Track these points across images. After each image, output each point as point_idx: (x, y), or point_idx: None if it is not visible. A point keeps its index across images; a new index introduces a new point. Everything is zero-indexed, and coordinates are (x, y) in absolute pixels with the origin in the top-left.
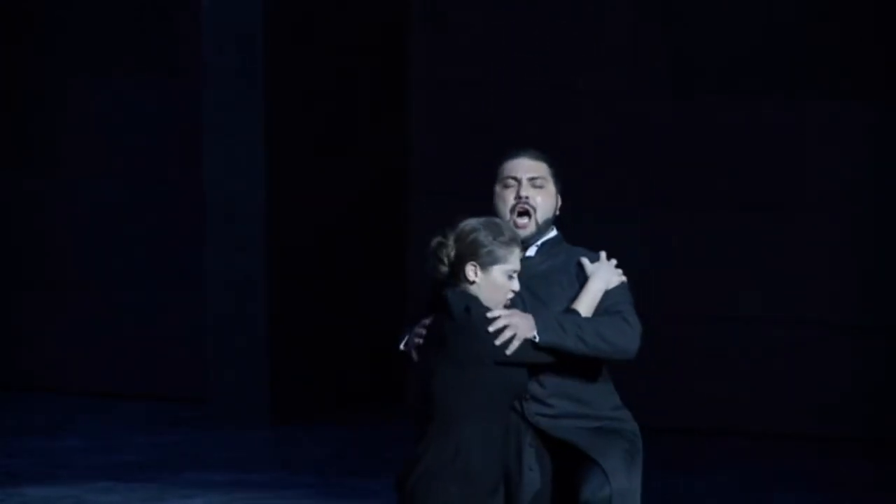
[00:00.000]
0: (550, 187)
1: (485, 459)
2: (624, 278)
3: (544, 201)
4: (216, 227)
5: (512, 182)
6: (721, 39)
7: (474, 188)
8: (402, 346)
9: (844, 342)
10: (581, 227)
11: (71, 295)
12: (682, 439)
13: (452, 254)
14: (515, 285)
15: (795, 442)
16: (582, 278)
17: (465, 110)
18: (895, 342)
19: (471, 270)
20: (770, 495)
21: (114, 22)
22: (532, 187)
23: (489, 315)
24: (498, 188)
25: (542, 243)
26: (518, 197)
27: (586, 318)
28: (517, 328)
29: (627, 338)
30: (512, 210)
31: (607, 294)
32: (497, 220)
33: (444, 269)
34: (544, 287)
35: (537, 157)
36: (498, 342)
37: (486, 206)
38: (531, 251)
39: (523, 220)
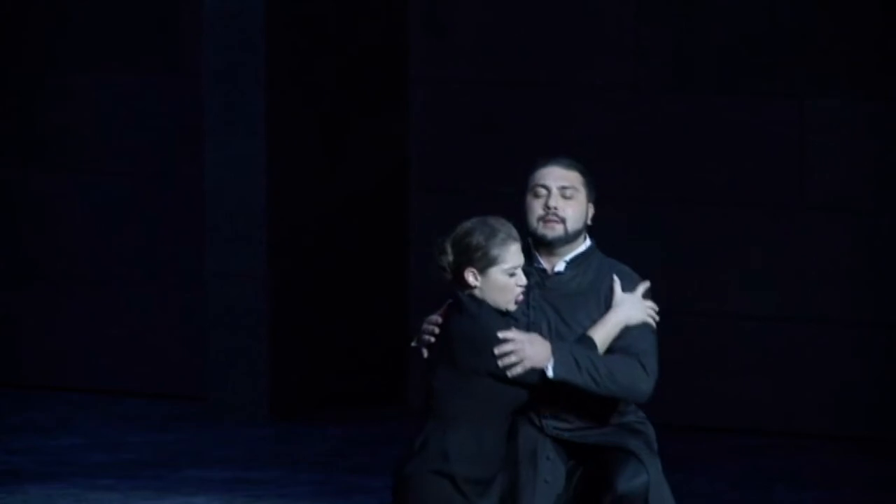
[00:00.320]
0: (582, 197)
1: (474, 464)
2: (651, 319)
3: (574, 212)
4: (216, 224)
5: (542, 191)
6: (723, 36)
7: (475, 186)
8: (413, 343)
9: (845, 340)
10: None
11: (71, 292)
12: (681, 436)
13: (451, 260)
14: (521, 280)
15: (796, 439)
16: (610, 301)
17: (466, 108)
18: None
19: (470, 276)
20: (770, 493)
21: (115, 19)
22: (562, 197)
23: (501, 335)
24: (528, 198)
25: (573, 258)
26: (547, 207)
27: (602, 357)
28: (529, 358)
29: (641, 384)
30: (539, 220)
31: (628, 330)
32: (491, 218)
33: (448, 275)
34: (570, 310)
35: (569, 166)
36: (500, 363)
37: (485, 204)
38: (560, 266)
39: (550, 224)
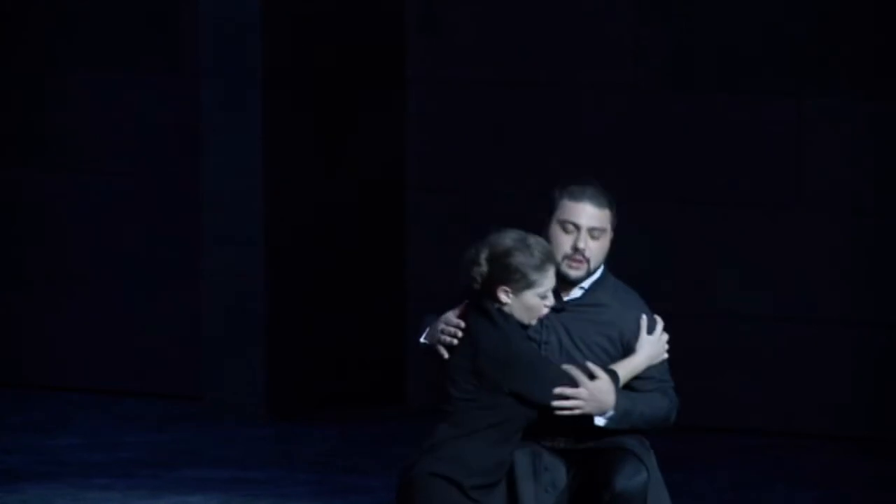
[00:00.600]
0: (608, 234)
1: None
2: (666, 353)
3: (599, 250)
4: (214, 224)
5: (571, 228)
6: (723, 36)
7: (473, 186)
8: (422, 339)
9: (844, 340)
10: None
11: (68, 292)
12: (681, 436)
13: (485, 273)
14: (550, 301)
15: (795, 439)
16: (629, 340)
17: (464, 108)
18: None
19: (503, 294)
20: (769, 492)
21: (115, 19)
22: (591, 238)
23: (570, 372)
24: (555, 227)
25: (589, 286)
26: (575, 248)
27: (641, 401)
28: (589, 409)
29: (670, 417)
30: (565, 258)
31: (649, 367)
32: (530, 238)
33: (477, 286)
34: (582, 334)
35: (601, 204)
36: (555, 404)
37: (484, 203)
38: (576, 293)
39: (576, 265)
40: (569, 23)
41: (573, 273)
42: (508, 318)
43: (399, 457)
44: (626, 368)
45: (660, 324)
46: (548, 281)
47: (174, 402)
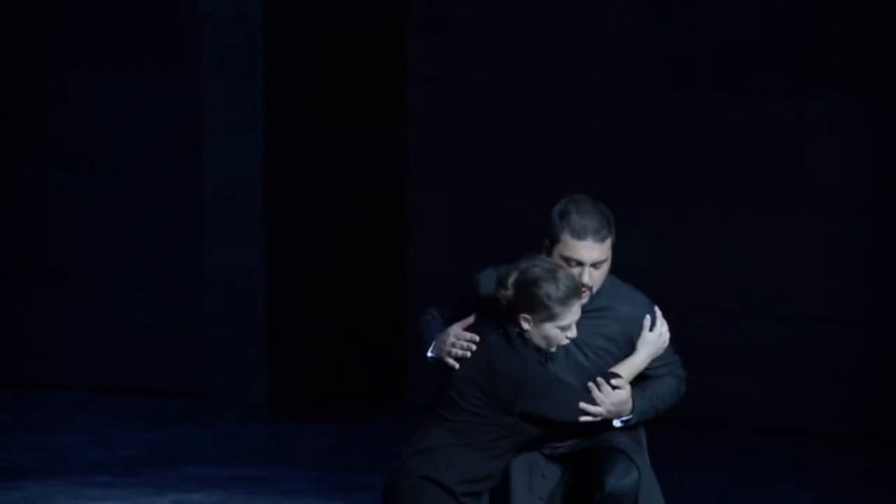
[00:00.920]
0: (610, 257)
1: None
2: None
3: (602, 275)
4: (214, 222)
5: (575, 264)
6: (723, 36)
7: (474, 185)
8: (430, 353)
9: (844, 338)
10: None
11: (70, 290)
12: (681, 434)
13: (510, 298)
14: (572, 333)
15: (794, 437)
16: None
17: (464, 107)
18: (895, 338)
19: (524, 321)
20: (770, 490)
21: (115, 19)
22: (594, 269)
23: (591, 389)
24: (556, 258)
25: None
26: (581, 284)
27: (655, 391)
28: (609, 414)
29: (681, 392)
30: None
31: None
32: (559, 270)
33: (501, 307)
34: (588, 338)
35: (603, 237)
36: (585, 408)
37: (484, 203)
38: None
39: (582, 295)
40: (569, 23)
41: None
42: (528, 343)
43: (399, 456)
44: (630, 369)
45: (660, 318)
46: (570, 315)
47: (175, 401)
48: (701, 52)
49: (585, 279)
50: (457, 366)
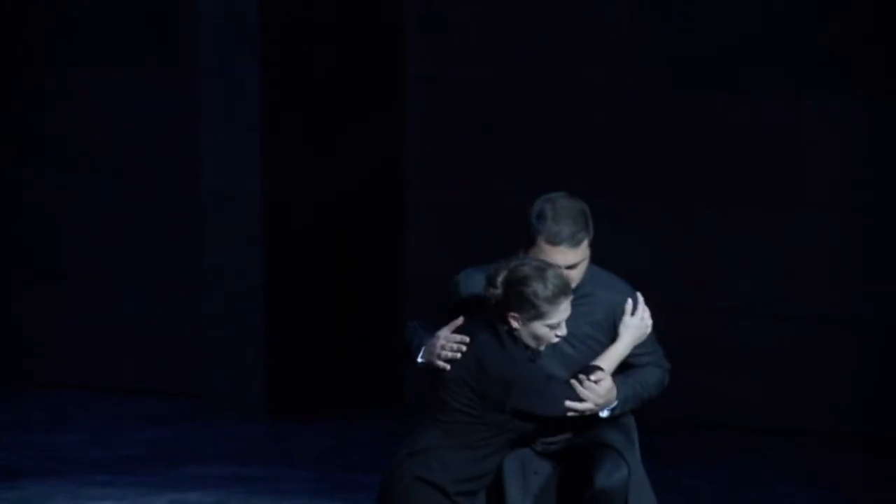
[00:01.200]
0: (587, 257)
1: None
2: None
3: (580, 273)
4: (213, 222)
5: None
6: (722, 36)
7: (473, 185)
8: (420, 359)
9: (844, 338)
10: None
11: (69, 290)
12: (678, 432)
13: (499, 297)
14: (562, 332)
15: (794, 437)
16: (612, 321)
17: (464, 107)
18: (895, 337)
19: (513, 320)
20: (768, 490)
21: (115, 19)
22: (571, 270)
23: (578, 381)
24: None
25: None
26: None
27: (639, 379)
28: (598, 407)
29: (664, 383)
30: None
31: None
32: (548, 269)
33: (490, 305)
34: (574, 329)
35: (578, 241)
36: (572, 405)
37: (483, 203)
38: None
39: None
40: (569, 23)
41: None
42: (517, 341)
43: (393, 457)
44: (612, 357)
45: (641, 303)
46: (559, 314)
47: (174, 400)
48: (701, 52)
49: None
50: (448, 368)
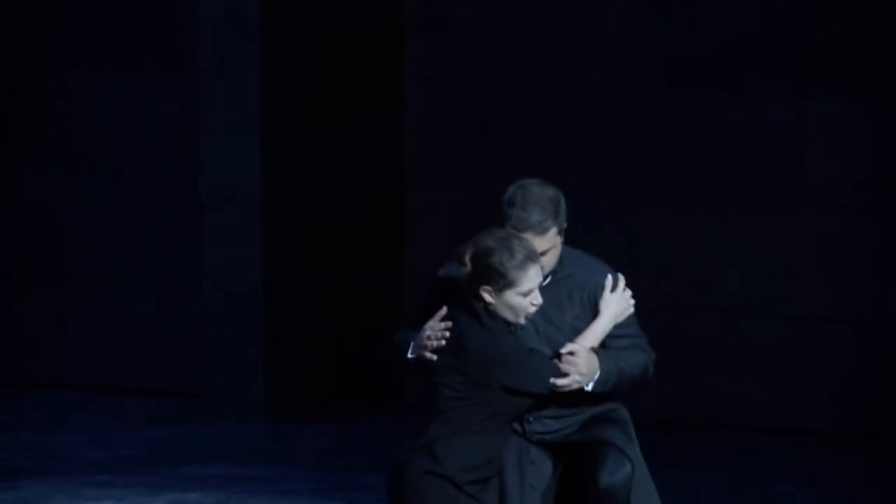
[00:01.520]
0: (558, 242)
1: (479, 469)
2: (632, 308)
3: (551, 258)
4: (213, 222)
5: None
6: (722, 36)
7: (472, 185)
8: (409, 354)
9: (843, 338)
10: (579, 222)
11: (69, 290)
12: (678, 432)
13: (469, 273)
14: (536, 299)
15: (794, 437)
16: (594, 300)
17: (464, 107)
18: (895, 337)
19: (486, 294)
20: (767, 489)
21: (115, 19)
22: (542, 256)
23: (565, 350)
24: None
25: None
26: None
27: (623, 357)
28: (583, 377)
29: (649, 369)
30: None
31: (618, 324)
32: (512, 238)
33: (464, 284)
34: (556, 311)
35: (544, 228)
36: (556, 381)
37: (483, 203)
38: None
39: None
40: (569, 23)
41: None
42: (495, 316)
43: (397, 455)
44: (594, 333)
45: (621, 280)
46: (528, 280)
47: (174, 400)
48: (700, 52)
49: None
50: (435, 357)
